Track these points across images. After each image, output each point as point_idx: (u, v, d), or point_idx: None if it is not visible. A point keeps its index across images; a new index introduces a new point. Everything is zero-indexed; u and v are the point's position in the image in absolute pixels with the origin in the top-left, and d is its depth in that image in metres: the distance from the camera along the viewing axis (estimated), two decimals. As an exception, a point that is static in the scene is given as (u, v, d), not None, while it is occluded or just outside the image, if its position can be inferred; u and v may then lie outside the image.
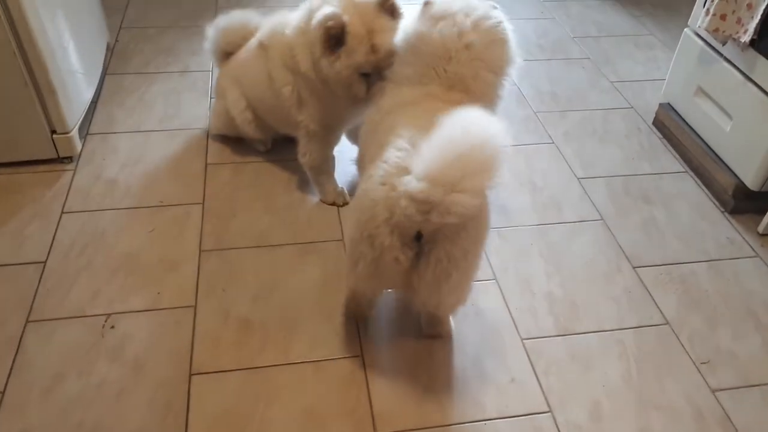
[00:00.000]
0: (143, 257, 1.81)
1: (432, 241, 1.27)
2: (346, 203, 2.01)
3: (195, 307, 1.68)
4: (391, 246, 1.25)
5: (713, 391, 1.56)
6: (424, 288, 1.32)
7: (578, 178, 2.20)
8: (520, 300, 1.76)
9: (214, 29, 2.14)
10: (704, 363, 1.62)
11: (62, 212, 1.93)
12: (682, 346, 1.66)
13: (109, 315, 1.64)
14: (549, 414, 1.49)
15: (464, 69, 1.44)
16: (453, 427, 1.45)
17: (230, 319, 1.65)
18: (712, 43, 2.13)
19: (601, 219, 2.04)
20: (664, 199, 2.13)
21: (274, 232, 1.92)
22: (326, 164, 2.01)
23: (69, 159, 2.11)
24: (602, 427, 1.47)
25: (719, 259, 1.92)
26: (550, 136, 2.38)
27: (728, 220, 2.06)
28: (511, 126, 2.38)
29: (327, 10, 1.64)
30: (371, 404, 1.47)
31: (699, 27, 2.09)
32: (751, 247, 1.97)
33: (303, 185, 2.09)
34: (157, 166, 2.13)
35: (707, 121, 2.17)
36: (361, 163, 1.65)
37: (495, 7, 1.53)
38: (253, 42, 2.02)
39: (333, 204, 2.02)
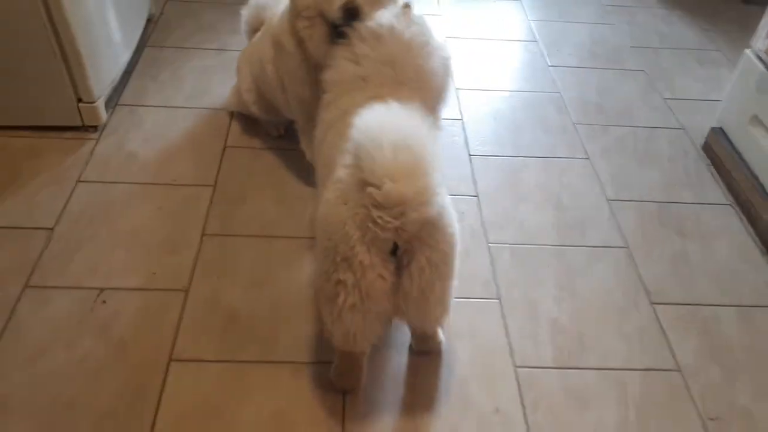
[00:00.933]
0: (146, 235, 1.81)
1: (410, 251, 1.19)
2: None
3: (187, 291, 1.66)
4: (372, 264, 1.18)
5: (718, 451, 1.43)
6: (411, 304, 1.24)
7: (608, 200, 2.06)
8: (521, 324, 1.66)
9: (246, 8, 2.11)
10: (713, 419, 1.49)
11: (78, 180, 1.95)
12: (692, 397, 1.53)
13: (102, 289, 1.65)
14: (530, 452, 1.40)
15: (427, 64, 1.43)
16: (425, 453, 1.38)
17: (219, 308, 1.63)
18: (774, 69, 1.94)
19: (626, 247, 1.90)
20: (701, 233, 1.97)
21: (280, 223, 1.88)
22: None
23: (94, 128, 2.13)
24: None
25: (752, 306, 1.76)
26: (585, 151, 2.24)
27: (769, 265, 1.89)
28: (545, 136, 2.31)
29: None
30: (344, 417, 1.42)
31: (760, 49, 1.90)
32: (787, 296, 1.79)
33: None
34: (176, 144, 2.13)
35: (761, 153, 1.99)
36: (317, 181, 1.62)
37: None
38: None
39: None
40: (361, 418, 1.42)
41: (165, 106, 2.28)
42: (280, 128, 2.17)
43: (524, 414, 1.46)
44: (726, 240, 1.95)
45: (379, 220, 1.12)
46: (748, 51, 2.07)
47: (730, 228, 2.00)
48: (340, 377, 1.44)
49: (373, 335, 1.29)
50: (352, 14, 1.53)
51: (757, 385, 1.57)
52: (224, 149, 2.12)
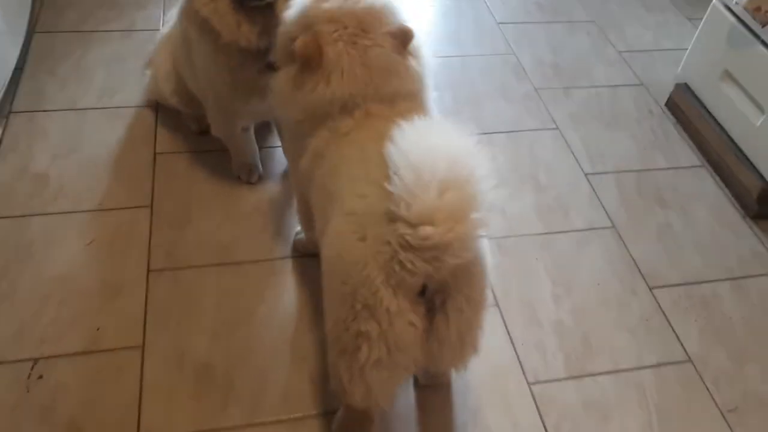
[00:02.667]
0: (80, 280, 1.51)
1: (443, 290, 1.01)
2: (249, 181, 1.76)
3: (143, 347, 1.40)
4: (400, 310, 0.98)
5: (743, 444, 1.38)
6: (447, 350, 1.06)
7: (586, 174, 1.93)
8: (525, 332, 1.53)
9: None
10: (731, 411, 1.44)
11: (-23, 219, 1.60)
12: (707, 389, 1.47)
13: (36, 360, 1.36)
14: (562, 481, 1.29)
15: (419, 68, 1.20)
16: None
17: (186, 364, 1.38)
18: (747, 23, 1.84)
19: (613, 226, 1.80)
20: (681, 201, 1.89)
21: (239, 245, 1.62)
22: (235, 140, 1.72)
23: (-15, 148, 1.75)
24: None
25: (743, 277, 1.71)
26: (553, 120, 2.09)
27: (750, 228, 1.84)
28: (508, 107, 2.14)
29: None
30: (357, 477, 1.25)
31: (735, 3, 1.79)
32: (774, 261, 1.77)
33: (273, 185, 1.79)
34: (96, 157, 1.79)
35: (733, 111, 1.91)
36: (306, 220, 1.45)
37: None
38: None
39: (238, 179, 1.76)
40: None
41: (72, 109, 1.91)
42: (202, 123, 1.85)
43: (548, 438, 1.35)
44: (705, 206, 1.89)
45: (408, 264, 0.94)
46: (716, 2, 1.95)
47: (706, 192, 1.93)
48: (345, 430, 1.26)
49: (397, 389, 1.11)
50: None
51: (764, 365, 1.53)
52: (155, 158, 1.80)
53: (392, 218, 0.95)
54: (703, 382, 1.48)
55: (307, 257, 1.60)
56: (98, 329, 1.42)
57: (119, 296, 1.48)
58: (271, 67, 1.46)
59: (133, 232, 1.61)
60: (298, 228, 1.63)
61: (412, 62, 1.20)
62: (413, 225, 0.92)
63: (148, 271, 1.54)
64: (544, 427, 1.36)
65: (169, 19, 1.85)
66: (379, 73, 1.15)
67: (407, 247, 0.93)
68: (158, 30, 2.17)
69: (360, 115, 1.13)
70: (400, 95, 1.15)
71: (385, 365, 1.02)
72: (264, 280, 1.56)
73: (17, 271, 1.51)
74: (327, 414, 1.33)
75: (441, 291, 1.01)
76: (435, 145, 0.96)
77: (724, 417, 1.42)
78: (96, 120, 1.88)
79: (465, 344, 1.07)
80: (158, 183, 1.73)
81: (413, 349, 1.02)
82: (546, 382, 1.44)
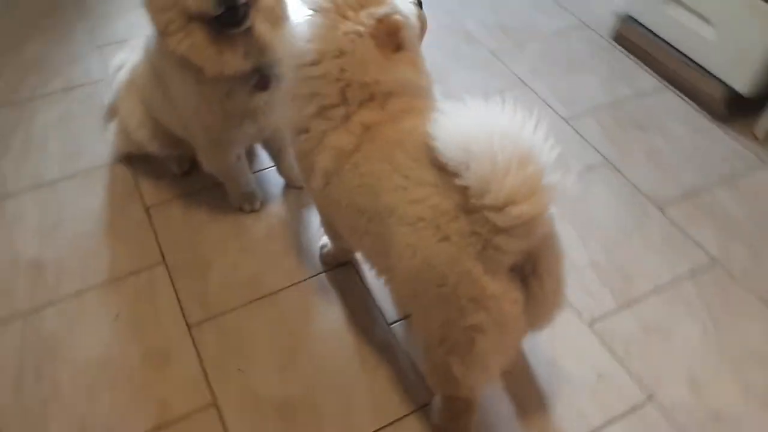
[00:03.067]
0: (121, 357, 1.42)
1: (531, 258, 1.02)
2: (253, 210, 1.70)
3: (215, 403, 1.34)
4: (504, 292, 0.99)
5: (789, 325, 1.49)
6: (544, 311, 1.09)
7: (565, 119, 2.00)
8: (568, 279, 1.57)
9: None
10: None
11: (-16, 325, 1.47)
12: (739, 283, 1.57)
13: (110, 449, 1.28)
14: (652, 400, 1.35)
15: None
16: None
17: (265, 405, 1.34)
18: (674, -57, 1.95)
19: (606, 161, 1.88)
20: (657, 122, 2.00)
21: (266, 274, 1.57)
22: (230, 171, 1.65)
23: (-36, 248, 1.61)
24: (706, 396, 1.36)
25: (733, 177, 1.84)
26: (518, 77, 2.15)
27: (725, 132, 1.96)
28: (472, 74, 2.18)
29: None
30: (473, 461, 1.26)
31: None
32: (757, 156, 1.89)
33: (276, 206, 1.74)
34: (84, 228, 1.68)
35: (682, 30, 2.02)
36: (333, 232, 1.44)
37: None
38: None
39: (240, 210, 1.70)
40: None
41: (39, 186, 1.77)
42: (185, 164, 1.79)
43: (625, 368, 1.40)
44: (679, 122, 2.00)
45: (504, 247, 0.95)
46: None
47: (676, 109, 2.04)
48: (453, 421, 1.26)
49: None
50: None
51: (778, 249, 1.66)
52: (148, 212, 1.71)
53: (470, 209, 0.96)
54: (734, 279, 1.58)
55: (338, 267, 1.58)
56: (163, 400, 1.35)
57: (169, 361, 1.41)
58: (261, 86, 1.43)
59: (156, 293, 1.54)
60: (322, 241, 1.60)
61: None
62: (500, 209, 0.92)
63: (188, 327, 1.47)
64: (617, 360, 1.42)
65: (121, 64, 1.75)
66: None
67: (499, 231, 0.94)
68: (98, 80, 2.06)
69: (357, 128, 1.13)
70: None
71: (500, 348, 1.05)
72: (304, 302, 1.53)
73: (52, 369, 1.40)
74: (419, 409, 1.33)
75: (530, 259, 1.02)
76: (486, 127, 0.96)
77: (764, 302, 1.53)
78: (69, 190, 1.76)
79: (558, 300, 1.10)
80: (162, 237, 1.65)
81: (521, 324, 1.04)
82: (602, 318, 1.50)
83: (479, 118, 1.00)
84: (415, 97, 1.17)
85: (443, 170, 1.01)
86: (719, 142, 1.94)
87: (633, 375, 1.39)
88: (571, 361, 1.42)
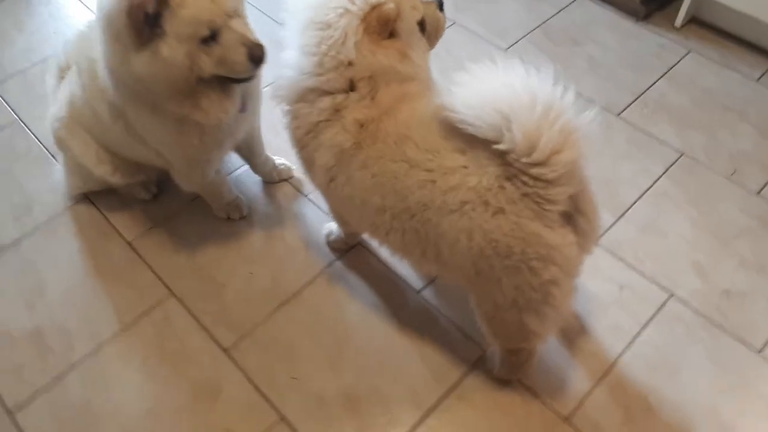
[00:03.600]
0: (167, 401, 1.37)
1: (574, 197, 1.06)
2: (242, 216, 1.65)
3: (283, 417, 1.34)
4: (564, 238, 1.04)
5: (756, 193, 1.67)
6: (592, 240, 1.13)
7: (505, 50, 2.05)
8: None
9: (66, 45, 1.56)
10: (734, 174, 1.71)
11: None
12: (708, 168, 1.73)
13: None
14: (672, 297, 1.49)
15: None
16: (618, 360, 1.40)
17: (330, 404, 1.36)
18: None
19: (555, 80, 1.95)
20: (586, 34, 2.09)
21: (281, 278, 1.55)
22: (212, 186, 1.57)
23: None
24: (713, 279, 1.52)
25: (668, 70, 1.97)
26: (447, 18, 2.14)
27: (649, 30, 2.09)
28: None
29: None
30: (537, 394, 1.35)
31: None
32: (681, 45, 2.04)
33: (264, 206, 1.69)
34: (71, 281, 1.56)
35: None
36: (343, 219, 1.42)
37: None
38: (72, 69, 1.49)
39: (228, 219, 1.65)
40: (557, 391, 1.36)
41: (1, 251, 1.61)
42: (152, 187, 1.69)
43: (638, 272, 1.53)
44: (605, 28, 2.10)
45: (555, 196, 1.00)
46: None
47: (598, 16, 2.14)
48: (517, 370, 1.33)
49: None
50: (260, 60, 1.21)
51: (726, 127, 1.81)
52: (131, 246, 1.61)
53: (510, 175, 0.99)
54: (702, 165, 1.74)
55: (349, 251, 1.58)
56: (229, 430, 1.32)
57: (220, 390, 1.38)
58: (243, 109, 1.36)
59: (176, 327, 1.47)
60: (326, 229, 1.58)
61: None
62: (545, 163, 0.96)
63: (225, 351, 1.43)
64: (630, 266, 1.54)
65: (46, 99, 1.60)
66: None
67: (548, 184, 0.98)
68: (13, 122, 1.87)
69: (352, 126, 1.13)
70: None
71: (570, 291, 1.11)
72: (329, 293, 1.52)
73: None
74: (472, 367, 1.39)
75: (572, 200, 1.06)
76: (509, 87, 0.98)
77: (731, 181, 1.70)
78: (36, 246, 1.61)
79: (599, 224, 1.15)
80: (158, 268, 1.57)
81: (580, 261, 1.11)
82: (606, 233, 1.60)
83: (495, 80, 1.01)
84: (402, 82, 1.15)
85: (469, 146, 1.03)
86: (646, 40, 2.06)
87: (648, 278, 1.52)
88: (592, 280, 1.52)
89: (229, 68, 1.19)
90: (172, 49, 1.12)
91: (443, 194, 1.05)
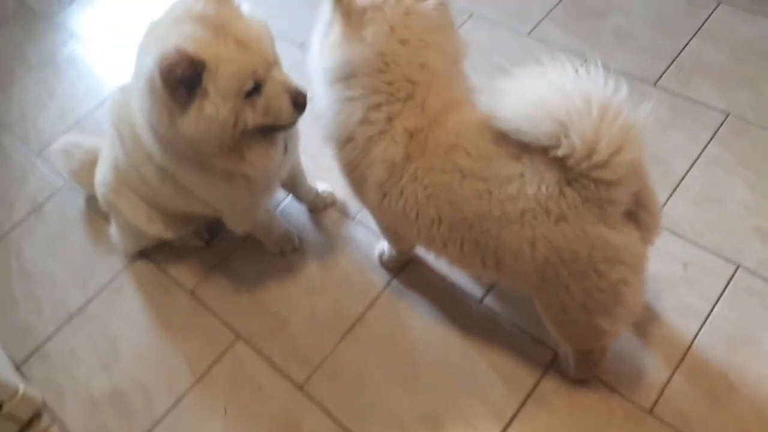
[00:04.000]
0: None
1: (635, 194, 1.04)
2: (295, 248, 1.66)
3: (366, 445, 1.36)
4: (629, 236, 1.03)
5: (814, 142, 1.60)
6: (654, 233, 1.11)
7: (528, 35, 2.00)
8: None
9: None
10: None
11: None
12: (758, 125, 1.66)
13: None
14: (739, 268, 1.45)
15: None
16: (694, 342, 1.37)
17: (412, 428, 1.37)
18: None
19: (585, 59, 1.89)
20: (608, 2, 2.02)
21: (342, 304, 1.56)
22: (262, 224, 1.59)
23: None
24: (778, 243, 1.47)
25: (700, 27, 1.90)
26: (465, 11, 2.10)
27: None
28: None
29: (160, 47, 1.08)
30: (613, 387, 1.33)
31: None
32: (708, -3, 1.96)
33: (314, 234, 1.71)
34: (141, 338, 1.61)
35: None
36: (396, 237, 1.42)
37: None
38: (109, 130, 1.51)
39: (282, 254, 1.66)
40: (636, 383, 1.34)
41: (70, 318, 1.67)
42: (204, 234, 1.72)
43: (701, 247, 1.49)
44: (626, -5, 2.03)
45: (618, 197, 0.99)
46: None
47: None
48: (592, 369, 1.32)
49: None
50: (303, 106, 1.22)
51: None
52: (194, 295, 1.65)
53: (570, 179, 0.98)
54: (751, 123, 1.67)
55: (404, 268, 1.59)
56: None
57: (301, 427, 1.40)
58: (285, 150, 1.37)
59: (249, 370, 1.50)
60: (378, 249, 1.59)
61: None
62: (606, 164, 0.94)
63: (299, 387, 1.46)
64: (690, 241, 1.50)
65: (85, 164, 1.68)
66: None
67: (609, 185, 0.96)
68: (63, 186, 1.92)
69: (401, 137, 1.12)
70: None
71: (640, 287, 1.10)
72: (392, 313, 1.53)
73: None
74: (546, 371, 1.39)
75: (633, 195, 1.04)
76: (560, 90, 0.96)
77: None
78: (102, 309, 1.67)
79: (661, 214, 1.12)
80: (223, 313, 1.60)
81: (647, 256, 1.09)
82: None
83: (544, 85, 0.99)
84: (449, 89, 1.14)
85: (523, 151, 1.02)
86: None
87: (713, 251, 1.48)
88: (654, 262, 1.44)
89: (274, 117, 1.20)
90: (216, 107, 1.11)
91: (501, 204, 1.04)
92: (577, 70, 0.99)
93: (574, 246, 1.01)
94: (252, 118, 1.17)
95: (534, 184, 1.01)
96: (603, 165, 0.95)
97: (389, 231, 1.44)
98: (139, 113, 1.23)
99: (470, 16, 2.08)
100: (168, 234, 1.60)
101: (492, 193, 1.05)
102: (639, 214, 1.06)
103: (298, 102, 1.19)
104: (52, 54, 2.32)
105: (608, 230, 1.00)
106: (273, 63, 1.18)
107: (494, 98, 1.02)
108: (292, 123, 1.24)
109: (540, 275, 1.07)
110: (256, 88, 1.15)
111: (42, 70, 2.28)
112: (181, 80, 1.07)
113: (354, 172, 1.22)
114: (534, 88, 0.99)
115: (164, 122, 1.16)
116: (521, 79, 1.01)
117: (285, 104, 1.18)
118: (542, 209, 1.01)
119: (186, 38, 1.08)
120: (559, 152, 0.96)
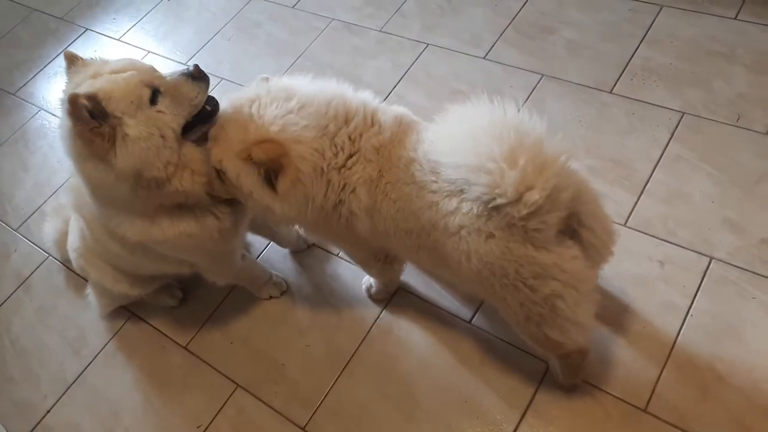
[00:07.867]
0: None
1: (572, 213, 1.08)
2: (283, 291, 1.70)
3: (376, 479, 1.38)
4: (560, 254, 1.07)
5: (766, 134, 1.67)
6: (604, 249, 1.15)
7: (484, 58, 2.07)
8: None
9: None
10: (738, 120, 1.72)
11: None
12: (713, 121, 1.73)
13: None
14: (713, 261, 1.50)
15: None
16: (679, 338, 1.41)
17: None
18: None
19: (541, 75, 1.97)
20: (556, 18, 2.10)
21: (334, 342, 1.59)
22: (243, 272, 1.62)
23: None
24: (748, 230, 1.53)
25: (646, 32, 1.98)
26: (419, 41, 2.18)
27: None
28: (380, 58, 2.18)
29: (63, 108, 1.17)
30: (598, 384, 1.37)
31: None
32: (651, 4, 2.04)
33: (300, 275, 1.74)
34: (142, 399, 1.61)
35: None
36: (372, 265, 1.46)
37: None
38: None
39: (270, 298, 1.70)
40: (628, 384, 1.38)
41: (68, 387, 1.67)
42: (177, 292, 1.75)
43: (674, 244, 1.54)
44: (574, 8, 2.10)
45: (541, 225, 1.03)
46: None
47: (562, -2, 2.17)
48: (577, 373, 1.36)
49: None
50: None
51: (719, 75, 1.82)
52: (188, 350, 1.66)
53: (494, 211, 1.04)
54: (705, 118, 1.74)
55: (392, 299, 1.62)
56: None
57: (308, 468, 1.42)
58: None
59: (251, 417, 1.52)
60: (365, 284, 1.63)
61: None
62: (518, 201, 1.00)
63: (303, 429, 1.47)
64: (665, 241, 1.55)
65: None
66: None
67: (528, 216, 1.01)
68: (47, 258, 1.94)
69: (371, 153, 1.21)
70: None
71: (581, 300, 1.12)
72: (385, 345, 1.56)
73: None
74: (540, 383, 1.42)
75: (571, 216, 1.08)
76: (465, 133, 1.05)
77: (738, 127, 1.70)
78: (99, 375, 1.68)
79: (611, 234, 1.16)
80: (219, 365, 1.62)
81: (588, 271, 1.12)
82: (631, 213, 1.61)
83: (455, 126, 1.08)
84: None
85: None
86: (617, 8, 2.07)
87: (685, 247, 1.53)
88: (629, 264, 1.53)
89: (188, 104, 1.21)
90: (135, 125, 1.15)
91: (444, 217, 1.12)
92: (486, 104, 1.07)
93: (501, 262, 1.07)
94: (172, 117, 1.19)
95: (468, 202, 1.08)
96: (514, 203, 1.00)
97: (364, 261, 1.48)
98: (85, 190, 1.28)
99: (426, 47, 2.15)
100: (134, 291, 1.62)
101: (438, 206, 1.12)
102: (581, 234, 1.10)
103: (195, 75, 1.22)
104: (22, 128, 2.35)
105: (535, 250, 1.05)
106: (154, 73, 1.21)
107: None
108: (205, 100, 1.23)
109: (481, 287, 1.14)
110: (156, 93, 1.19)
111: (13, 145, 2.31)
112: (89, 111, 1.12)
113: (339, 218, 1.25)
114: (447, 128, 1.11)
115: (102, 170, 1.18)
116: (444, 117, 1.11)
117: (186, 85, 1.21)
118: (474, 226, 1.07)
119: (74, 88, 1.17)
120: (471, 195, 1.04)
